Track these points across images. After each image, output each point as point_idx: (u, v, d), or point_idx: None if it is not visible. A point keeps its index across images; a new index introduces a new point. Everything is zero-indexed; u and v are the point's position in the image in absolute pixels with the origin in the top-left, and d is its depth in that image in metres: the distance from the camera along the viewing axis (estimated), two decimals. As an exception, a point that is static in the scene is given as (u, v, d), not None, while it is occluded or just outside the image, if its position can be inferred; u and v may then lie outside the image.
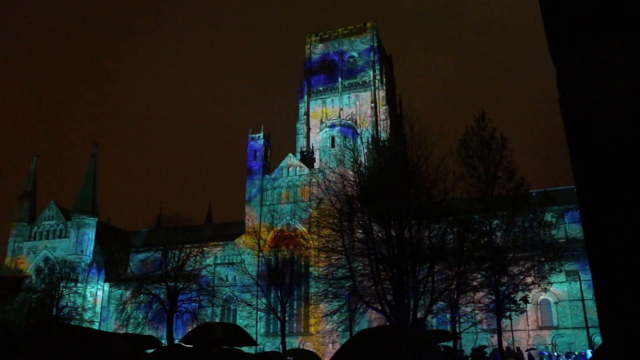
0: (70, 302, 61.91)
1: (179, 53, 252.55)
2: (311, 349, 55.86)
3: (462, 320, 40.92)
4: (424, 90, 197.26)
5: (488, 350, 43.39)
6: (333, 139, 68.14)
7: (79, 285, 67.22)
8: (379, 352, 4.02)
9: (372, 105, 76.80)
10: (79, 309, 63.25)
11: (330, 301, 37.86)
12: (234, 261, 64.13)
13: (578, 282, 54.62)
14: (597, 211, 1.95)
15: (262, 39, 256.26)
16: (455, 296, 34.95)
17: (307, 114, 80.00)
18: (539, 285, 36.27)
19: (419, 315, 31.89)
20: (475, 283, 35.21)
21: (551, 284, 40.19)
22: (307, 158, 75.09)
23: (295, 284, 59.12)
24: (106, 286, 75.88)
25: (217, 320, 60.83)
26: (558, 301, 55.51)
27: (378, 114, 76.41)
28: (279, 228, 67.04)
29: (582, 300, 54.00)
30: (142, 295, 53.18)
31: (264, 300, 55.11)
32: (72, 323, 61.10)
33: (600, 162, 1.94)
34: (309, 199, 64.77)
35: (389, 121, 75.26)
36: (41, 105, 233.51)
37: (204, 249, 67.56)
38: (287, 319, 52.23)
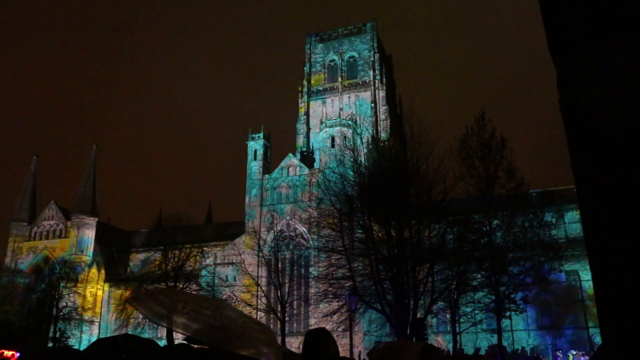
0: (70, 302, 61.88)
1: (179, 53, 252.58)
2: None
3: (462, 320, 40.91)
4: (424, 90, 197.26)
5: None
6: (333, 139, 68.11)
7: (79, 285, 67.22)
8: None
9: (372, 105, 76.77)
10: (79, 309, 63.23)
11: (330, 301, 37.86)
12: (234, 261, 64.10)
13: (578, 282, 54.61)
14: (597, 211, 1.95)
15: (262, 39, 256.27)
16: (455, 296, 34.95)
17: (307, 114, 79.95)
18: (539, 285, 36.28)
19: (418, 315, 31.90)
20: (475, 283, 35.22)
21: (551, 284, 40.21)
22: (307, 158, 75.05)
23: (295, 284, 59.09)
24: (106, 286, 75.85)
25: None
26: (558, 301, 55.51)
27: (378, 114, 76.38)
28: (279, 228, 67.02)
29: (582, 300, 54.01)
30: (142, 295, 53.16)
31: (264, 300, 55.10)
32: (72, 323, 61.16)
33: (600, 162, 1.94)
34: (309, 199, 64.72)
35: (389, 121, 75.23)
36: (41, 105, 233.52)
37: (204, 249, 67.56)
38: (287, 319, 52.21)
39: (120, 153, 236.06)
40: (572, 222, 59.23)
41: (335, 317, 37.29)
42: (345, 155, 43.74)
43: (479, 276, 34.95)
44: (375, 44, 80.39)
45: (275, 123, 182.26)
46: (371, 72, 78.81)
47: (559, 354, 48.74)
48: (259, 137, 73.42)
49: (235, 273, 64.81)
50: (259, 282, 57.29)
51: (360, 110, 75.46)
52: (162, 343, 43.93)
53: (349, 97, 78.55)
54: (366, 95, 78.02)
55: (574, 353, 48.85)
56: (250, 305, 56.52)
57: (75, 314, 61.66)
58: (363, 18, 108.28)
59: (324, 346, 3.66)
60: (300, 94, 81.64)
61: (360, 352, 47.92)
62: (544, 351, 54.08)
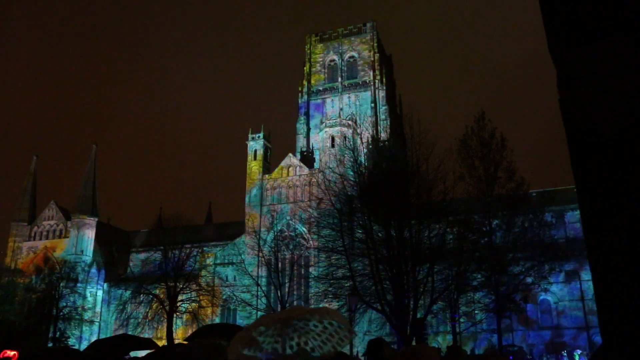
0: (70, 302, 61.86)
1: (178, 53, 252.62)
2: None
3: (462, 320, 40.89)
4: (424, 90, 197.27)
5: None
6: (333, 139, 68.11)
7: (79, 285, 67.18)
8: None
9: (372, 105, 76.75)
10: (79, 309, 63.23)
11: (330, 301, 37.84)
12: (234, 261, 64.09)
13: (578, 282, 54.61)
14: (597, 211, 1.95)
15: (262, 39, 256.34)
16: (455, 296, 34.95)
17: (307, 114, 79.95)
18: (539, 285, 36.30)
19: (418, 315, 31.90)
20: (475, 283, 35.23)
21: (551, 284, 40.23)
22: (307, 158, 75.05)
23: (295, 284, 59.08)
24: (106, 286, 75.83)
25: (217, 320, 60.82)
26: (558, 301, 55.52)
27: (378, 114, 76.37)
28: (279, 228, 67.00)
29: (582, 300, 54.00)
30: (142, 295, 53.17)
31: (264, 300, 55.10)
32: (72, 323, 61.15)
33: (600, 162, 1.94)
34: (309, 199, 64.72)
35: (389, 121, 75.22)
36: (41, 105, 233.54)
37: (204, 249, 67.58)
38: (287, 319, 52.12)
39: (120, 153, 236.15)
40: (572, 222, 59.21)
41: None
42: (345, 155, 43.75)
43: (479, 276, 34.95)
44: (375, 44, 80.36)
45: (275, 123, 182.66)
46: (371, 72, 78.79)
47: (564, 353, 48.88)
48: (259, 137, 73.43)
49: (235, 273, 64.78)
50: (259, 282, 57.26)
51: (360, 110, 75.45)
52: (162, 343, 43.93)
53: (349, 97, 78.53)
54: (366, 95, 77.99)
55: (580, 352, 48.91)
56: (250, 305, 56.61)
57: (75, 314, 61.64)
58: (363, 18, 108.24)
59: (380, 350, 4.53)
60: (300, 94, 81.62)
61: (357, 351, 47.92)
62: (544, 351, 54.09)
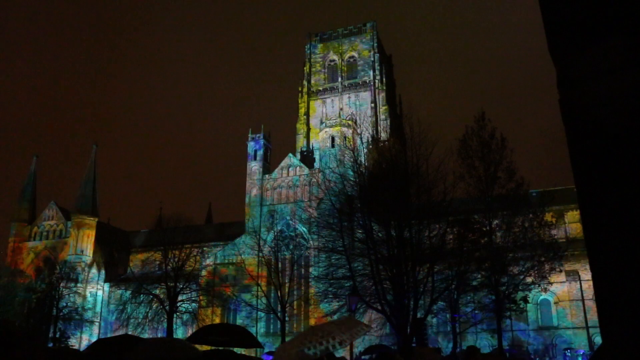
0: (70, 302, 61.89)
1: (178, 53, 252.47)
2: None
3: (462, 320, 40.91)
4: (424, 90, 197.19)
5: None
6: (333, 139, 68.13)
7: (79, 285, 67.21)
8: None
9: (372, 105, 76.75)
10: (79, 309, 63.25)
11: (330, 301, 37.88)
12: (234, 261, 64.13)
13: (578, 282, 54.60)
14: (597, 211, 1.95)
15: (262, 39, 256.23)
16: (455, 296, 34.99)
17: (307, 114, 79.92)
18: (539, 285, 36.32)
19: (419, 315, 31.91)
20: (475, 283, 35.26)
21: (551, 284, 40.22)
22: (307, 158, 75.05)
23: (295, 284, 59.10)
24: (106, 286, 75.82)
25: (217, 320, 60.86)
26: (558, 301, 55.51)
27: (378, 114, 76.37)
28: (279, 228, 67.02)
29: (582, 300, 53.99)
30: (142, 295, 53.20)
31: (264, 300, 55.12)
32: (72, 323, 61.16)
33: (600, 162, 1.94)
34: (309, 199, 64.73)
35: (389, 121, 75.20)
36: (41, 105, 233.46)
37: (204, 249, 67.58)
38: (287, 319, 52.21)
39: (120, 153, 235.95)
40: (572, 222, 59.20)
41: (335, 317, 37.29)
42: (345, 155, 43.84)
43: (479, 276, 34.98)
44: (375, 44, 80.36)
45: (275, 123, 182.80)
46: (371, 72, 78.78)
47: (567, 353, 48.96)
48: (259, 137, 73.45)
49: (235, 273, 64.81)
50: (259, 282, 57.29)
51: (360, 110, 75.44)
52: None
53: (349, 97, 78.54)
54: (366, 95, 77.99)
55: (582, 353, 48.93)
56: (250, 305, 56.66)
57: (75, 314, 61.65)
58: (363, 18, 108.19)
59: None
60: (300, 94, 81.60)
61: (359, 352, 47.95)
62: (544, 351, 54.11)
